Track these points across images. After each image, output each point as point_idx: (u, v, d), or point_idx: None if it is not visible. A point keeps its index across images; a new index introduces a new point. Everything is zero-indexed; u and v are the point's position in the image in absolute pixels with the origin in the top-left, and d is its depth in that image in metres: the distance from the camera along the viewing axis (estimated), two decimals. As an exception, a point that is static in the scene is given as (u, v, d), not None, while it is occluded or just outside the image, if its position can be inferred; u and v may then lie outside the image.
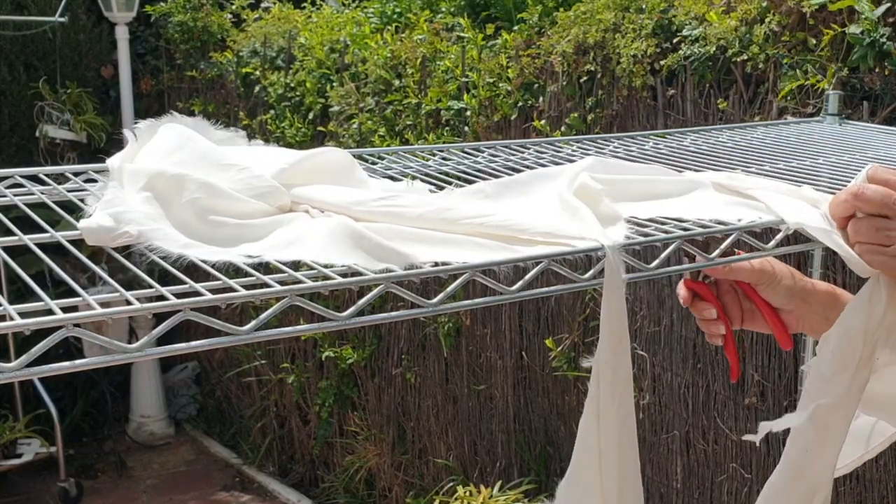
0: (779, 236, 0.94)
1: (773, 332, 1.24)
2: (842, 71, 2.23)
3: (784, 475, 1.09)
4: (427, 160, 1.22)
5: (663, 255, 0.87)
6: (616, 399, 0.91)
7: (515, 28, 3.26)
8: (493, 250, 0.81)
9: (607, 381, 0.90)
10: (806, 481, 1.06)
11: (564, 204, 0.91)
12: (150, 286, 0.73)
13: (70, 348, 4.21)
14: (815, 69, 2.27)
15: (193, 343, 0.69)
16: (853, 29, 2.19)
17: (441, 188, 1.03)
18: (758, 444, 2.57)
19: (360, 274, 0.75)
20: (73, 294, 0.72)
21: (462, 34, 3.53)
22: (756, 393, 2.54)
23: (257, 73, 4.61)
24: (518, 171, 1.15)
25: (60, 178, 0.98)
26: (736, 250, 0.94)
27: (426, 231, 0.83)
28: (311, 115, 4.21)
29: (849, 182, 1.02)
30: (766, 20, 2.41)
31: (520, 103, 3.16)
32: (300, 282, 0.73)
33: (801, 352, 2.12)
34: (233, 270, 0.77)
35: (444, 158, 1.23)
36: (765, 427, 1.25)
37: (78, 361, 0.65)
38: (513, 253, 0.80)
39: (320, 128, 4.14)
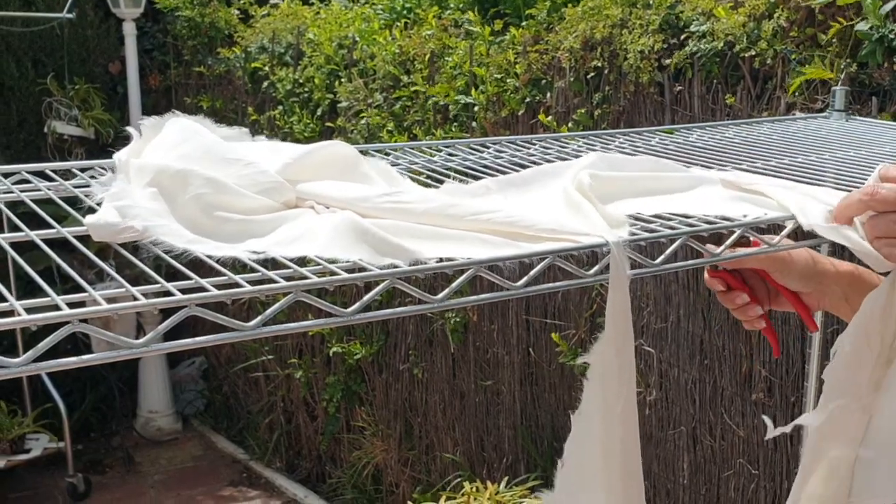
0: (784, 232, 0.94)
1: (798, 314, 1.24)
2: (850, 67, 2.23)
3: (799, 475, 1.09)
4: (433, 156, 1.22)
5: (669, 250, 0.87)
6: (622, 397, 0.91)
7: (523, 24, 3.26)
8: (498, 246, 0.81)
9: (612, 378, 0.90)
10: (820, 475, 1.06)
11: (569, 201, 0.91)
12: (157, 282, 0.73)
13: (78, 344, 4.22)
14: (824, 64, 2.27)
15: (200, 338, 0.69)
16: (862, 25, 2.18)
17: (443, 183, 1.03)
18: (765, 440, 2.57)
19: (366, 270, 0.75)
20: (81, 290, 0.72)
21: (470, 29, 3.52)
22: (763, 389, 2.54)
23: (265, 68, 4.61)
24: (524, 166, 1.15)
25: (67, 174, 0.99)
26: (751, 236, 0.94)
27: (431, 227, 0.83)
28: (319, 111, 4.22)
29: (854, 177, 1.02)
30: (775, 15, 2.40)
31: (527, 99, 3.16)
32: (306, 277, 0.73)
33: (808, 348, 2.11)
34: (239, 266, 0.77)
35: (450, 154, 1.23)
36: (776, 431, 1.24)
37: (85, 357, 0.65)
38: (518, 249, 0.80)
39: (328, 123, 4.15)
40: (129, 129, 0.96)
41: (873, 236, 0.95)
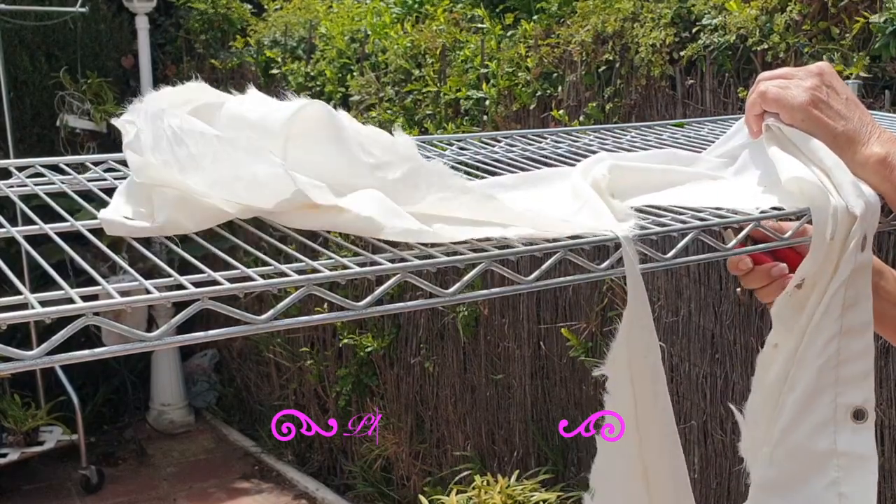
0: (795, 226, 0.94)
1: None
2: (863, 59, 2.22)
3: None
4: (444, 150, 1.22)
5: (680, 245, 0.87)
6: (659, 403, 0.88)
7: (535, 17, 3.26)
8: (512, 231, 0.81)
9: (646, 384, 0.87)
10: None
11: (577, 196, 0.91)
12: (170, 275, 0.73)
13: (91, 337, 4.24)
14: (838, 58, 2.26)
15: (212, 332, 0.69)
16: (876, 18, 2.17)
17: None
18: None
19: (378, 264, 0.75)
20: (94, 283, 0.72)
21: (481, 24, 3.52)
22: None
23: (278, 60, 4.62)
24: (535, 160, 1.15)
25: (80, 168, 0.99)
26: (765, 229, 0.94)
27: (445, 214, 0.83)
28: (331, 105, 4.22)
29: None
30: (787, 9, 2.39)
31: (538, 93, 3.16)
32: (318, 271, 0.73)
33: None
34: (251, 260, 0.78)
35: (461, 148, 1.23)
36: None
37: (98, 350, 0.66)
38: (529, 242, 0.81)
39: (339, 117, 4.15)
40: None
41: (768, 95, 0.99)
